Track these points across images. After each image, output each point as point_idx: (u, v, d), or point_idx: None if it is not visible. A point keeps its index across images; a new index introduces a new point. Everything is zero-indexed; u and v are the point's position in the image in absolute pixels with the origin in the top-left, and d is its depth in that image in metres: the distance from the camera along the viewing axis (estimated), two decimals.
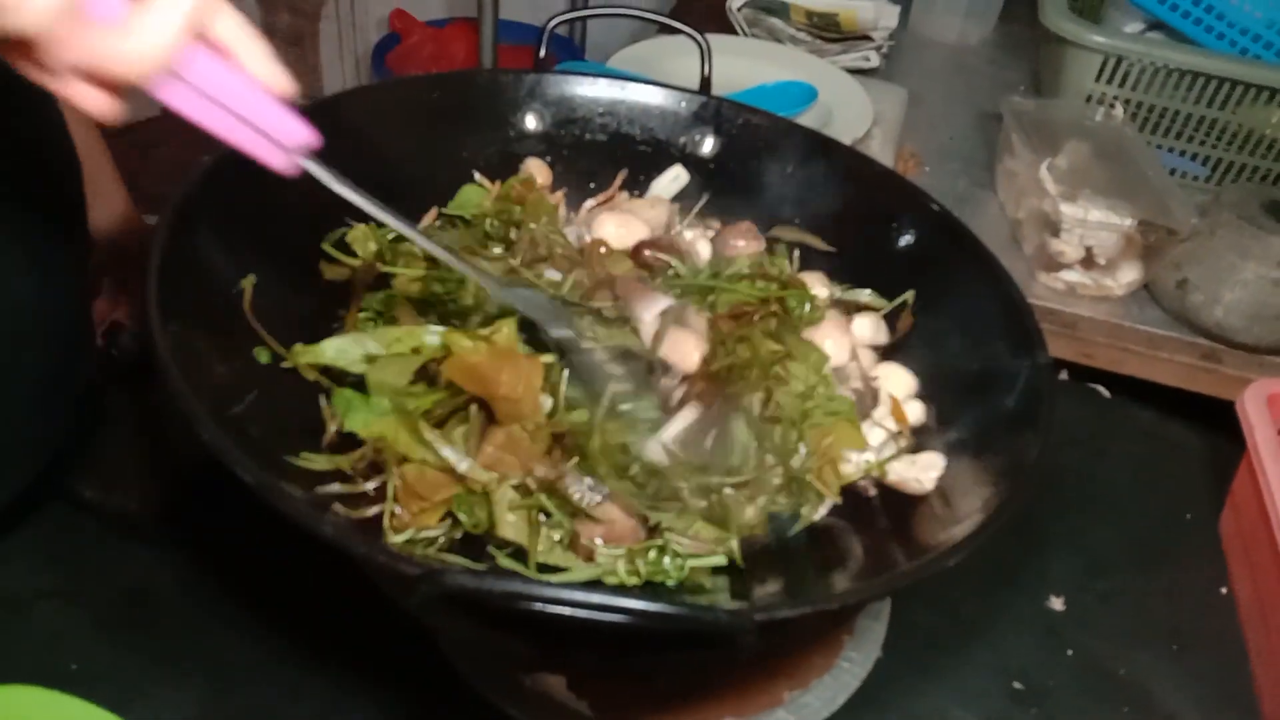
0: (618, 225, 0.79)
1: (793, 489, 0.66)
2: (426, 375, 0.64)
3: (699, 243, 0.82)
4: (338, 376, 0.65)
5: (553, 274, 0.75)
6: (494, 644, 0.68)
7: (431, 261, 0.72)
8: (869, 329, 0.76)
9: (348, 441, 0.62)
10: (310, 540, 0.49)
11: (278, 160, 0.51)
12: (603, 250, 0.77)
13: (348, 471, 0.61)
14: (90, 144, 0.82)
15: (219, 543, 0.77)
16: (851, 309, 0.78)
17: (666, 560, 0.58)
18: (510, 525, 0.59)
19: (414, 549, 0.59)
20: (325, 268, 0.72)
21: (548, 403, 0.63)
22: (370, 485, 0.61)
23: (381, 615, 0.63)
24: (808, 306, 0.74)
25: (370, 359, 0.64)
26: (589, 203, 0.86)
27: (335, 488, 0.60)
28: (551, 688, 0.67)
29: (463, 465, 0.60)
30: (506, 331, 0.63)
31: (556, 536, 0.60)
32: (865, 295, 0.79)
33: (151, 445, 0.80)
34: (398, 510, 0.60)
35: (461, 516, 0.60)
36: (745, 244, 0.80)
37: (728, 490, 0.63)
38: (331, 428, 0.63)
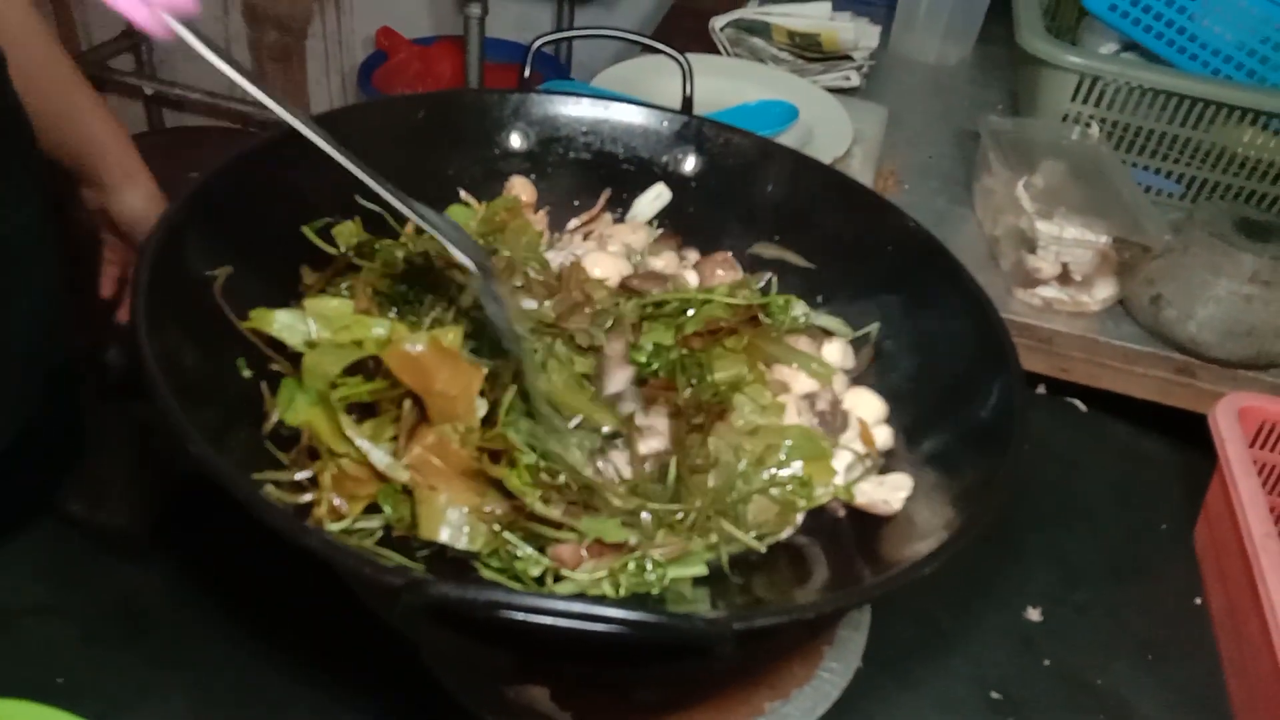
0: (605, 267, 0.80)
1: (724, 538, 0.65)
2: (364, 369, 0.64)
3: (685, 273, 0.83)
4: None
5: (529, 303, 0.74)
6: (477, 657, 0.69)
7: (409, 263, 0.72)
8: (838, 354, 0.77)
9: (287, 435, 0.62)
10: (296, 552, 0.49)
11: (145, 19, 0.52)
12: (582, 276, 0.77)
13: (284, 462, 0.60)
14: (113, 130, 0.83)
15: (207, 556, 0.78)
16: (821, 334, 0.79)
17: (648, 570, 0.59)
18: (445, 528, 0.59)
19: (350, 539, 0.59)
20: (305, 273, 0.73)
21: (483, 408, 0.63)
22: (304, 474, 0.60)
23: (369, 628, 0.63)
24: (796, 314, 0.75)
25: (311, 344, 0.63)
26: (573, 222, 0.87)
27: (269, 474, 0.59)
28: (535, 700, 0.68)
29: (382, 462, 0.59)
30: (453, 337, 0.63)
31: (536, 573, 0.60)
32: (832, 322, 0.80)
33: (140, 459, 0.80)
34: (336, 501, 0.59)
35: (385, 509, 0.60)
36: (725, 273, 0.82)
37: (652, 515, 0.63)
38: (274, 417, 0.62)
